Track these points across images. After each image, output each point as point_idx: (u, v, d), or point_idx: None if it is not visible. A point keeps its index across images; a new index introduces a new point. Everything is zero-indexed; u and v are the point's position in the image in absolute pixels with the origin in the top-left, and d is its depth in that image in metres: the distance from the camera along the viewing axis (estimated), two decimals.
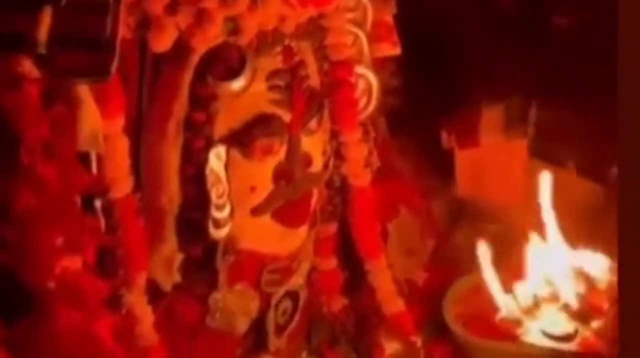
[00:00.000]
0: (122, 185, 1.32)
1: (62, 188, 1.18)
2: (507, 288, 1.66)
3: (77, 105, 1.22)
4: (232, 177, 1.38)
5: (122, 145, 1.31)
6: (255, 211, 1.41)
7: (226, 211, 1.39)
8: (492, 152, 1.91)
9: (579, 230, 1.80)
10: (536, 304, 1.61)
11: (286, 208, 1.43)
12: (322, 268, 1.62)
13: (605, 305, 1.59)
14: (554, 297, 1.62)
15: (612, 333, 1.52)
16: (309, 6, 1.38)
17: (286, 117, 1.40)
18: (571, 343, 1.57)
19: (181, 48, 1.32)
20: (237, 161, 1.38)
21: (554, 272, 1.66)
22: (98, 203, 1.30)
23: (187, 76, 1.34)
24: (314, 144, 1.46)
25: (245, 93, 1.36)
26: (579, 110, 1.98)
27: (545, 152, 1.96)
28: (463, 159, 1.92)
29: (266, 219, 1.42)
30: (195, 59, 1.34)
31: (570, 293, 1.62)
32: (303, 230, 1.49)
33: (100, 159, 1.29)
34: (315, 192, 1.49)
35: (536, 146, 1.92)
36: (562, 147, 1.98)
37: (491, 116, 1.94)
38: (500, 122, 1.92)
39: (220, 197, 1.38)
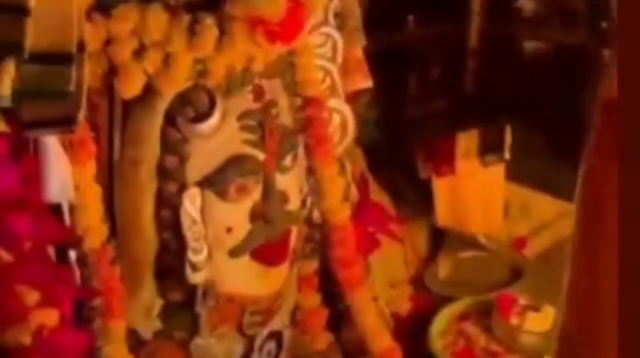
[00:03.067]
0: (96, 235, 1.30)
1: (35, 241, 1.17)
2: None
3: (46, 157, 1.21)
4: (208, 219, 1.37)
5: (94, 193, 1.29)
6: (233, 252, 1.39)
7: (204, 254, 1.37)
8: (470, 179, 1.91)
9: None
10: None
11: (265, 247, 1.42)
12: (306, 306, 1.60)
13: None
14: None
15: None
16: (277, 44, 1.37)
17: (260, 156, 1.39)
18: None
19: (150, 93, 1.31)
20: (212, 203, 1.36)
21: None
22: (72, 254, 1.28)
23: (157, 121, 1.33)
24: (289, 182, 1.45)
25: (217, 134, 1.35)
26: (554, 132, 1.98)
27: (522, 176, 1.96)
28: (441, 186, 1.91)
29: (245, 260, 1.41)
30: (164, 103, 1.33)
31: None
32: (283, 268, 1.47)
33: (72, 209, 1.28)
34: (293, 229, 1.48)
35: (513, 170, 1.92)
36: (538, 170, 1.98)
37: (466, 142, 1.93)
38: (476, 148, 1.92)
39: (197, 240, 1.36)
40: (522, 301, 1.66)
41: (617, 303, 1.20)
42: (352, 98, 1.67)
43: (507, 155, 1.90)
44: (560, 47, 2.24)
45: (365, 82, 1.70)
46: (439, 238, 1.94)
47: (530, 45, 2.33)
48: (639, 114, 1.19)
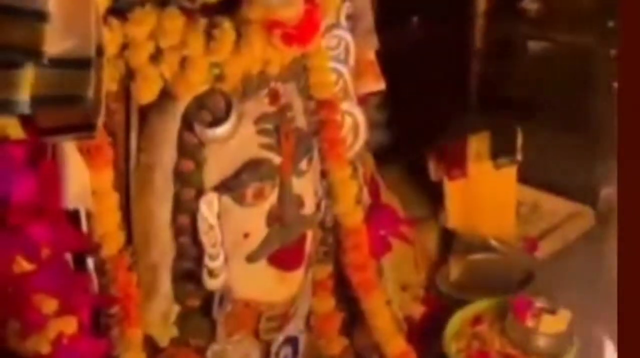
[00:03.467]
0: (113, 241, 1.29)
1: (54, 248, 1.15)
2: None
3: (64, 163, 1.20)
4: (225, 224, 1.35)
5: (112, 200, 1.28)
6: (250, 258, 1.38)
7: (220, 260, 1.36)
8: (482, 181, 1.90)
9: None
10: None
11: (281, 252, 1.41)
12: (321, 310, 1.59)
13: None
14: None
15: None
16: (293, 46, 1.36)
17: (276, 160, 1.38)
18: None
19: (166, 97, 1.29)
20: (229, 208, 1.35)
21: None
22: (90, 261, 1.27)
23: (174, 125, 1.32)
24: (305, 186, 1.44)
25: (234, 138, 1.34)
26: (566, 134, 1.98)
27: (533, 177, 1.96)
28: (452, 189, 1.90)
29: (262, 265, 1.40)
30: (181, 107, 1.31)
31: None
32: (299, 273, 1.46)
33: (89, 216, 1.27)
34: (309, 233, 1.47)
35: (523, 171, 1.91)
36: (551, 172, 1.97)
37: (478, 145, 1.92)
38: (488, 150, 1.91)
39: (213, 246, 1.35)
40: (538, 303, 1.65)
41: (618, 304, 1.19)
42: (363, 100, 1.66)
43: (519, 157, 1.90)
44: (567, 47, 2.23)
45: (377, 84, 1.69)
46: (451, 241, 1.93)
47: (536, 46, 2.32)
48: (639, 112, 1.18)
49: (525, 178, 1.95)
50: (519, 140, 1.90)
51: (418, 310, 1.77)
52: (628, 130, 1.22)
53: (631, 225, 1.19)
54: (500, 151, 1.90)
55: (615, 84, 2.03)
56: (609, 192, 1.95)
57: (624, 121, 1.23)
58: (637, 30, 1.22)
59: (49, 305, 1.15)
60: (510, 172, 1.90)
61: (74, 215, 1.24)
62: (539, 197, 1.99)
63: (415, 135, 1.96)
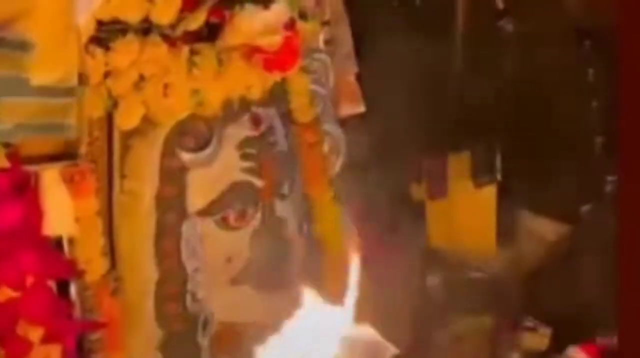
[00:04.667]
0: (96, 267, 1.29)
1: (38, 276, 1.16)
2: None
3: (47, 190, 1.20)
4: (209, 248, 1.37)
5: (95, 226, 1.29)
6: (234, 281, 1.39)
7: (204, 283, 1.37)
8: (462, 200, 1.91)
9: None
10: None
11: (264, 275, 1.42)
12: None
13: None
14: None
15: None
16: (274, 72, 1.38)
17: (258, 183, 1.39)
18: None
19: (149, 124, 1.31)
20: (212, 232, 1.36)
21: None
22: (73, 288, 1.27)
23: (156, 151, 1.33)
24: (287, 209, 1.45)
25: (216, 163, 1.35)
26: (547, 152, 1.99)
27: (514, 196, 1.97)
28: (434, 209, 1.92)
29: (245, 288, 1.41)
30: (163, 133, 1.33)
31: None
32: (283, 295, 1.47)
33: (72, 242, 1.27)
34: (292, 255, 1.48)
35: (505, 192, 1.93)
36: (531, 191, 1.99)
37: (458, 164, 1.94)
38: (468, 169, 1.93)
39: (197, 270, 1.36)
40: (520, 322, 1.67)
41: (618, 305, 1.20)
42: (344, 122, 1.68)
43: (498, 176, 1.91)
44: (545, 66, 2.25)
45: (357, 107, 1.71)
46: (433, 261, 1.94)
47: (514, 65, 2.35)
48: (639, 114, 1.19)
49: (508, 198, 1.97)
50: (499, 160, 1.92)
51: (403, 330, 1.78)
52: (629, 131, 1.22)
53: (631, 226, 1.20)
54: (480, 170, 1.92)
55: (594, 103, 2.06)
56: (589, 209, 1.97)
57: (624, 121, 1.23)
58: (635, 31, 1.22)
59: (35, 333, 1.16)
60: (490, 191, 1.92)
61: (57, 242, 1.24)
62: (521, 217, 2.00)
63: (398, 156, 1.98)
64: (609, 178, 1.96)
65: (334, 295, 1.62)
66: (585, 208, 1.97)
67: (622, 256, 1.21)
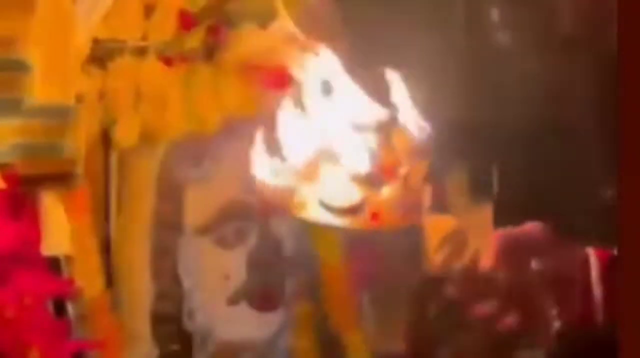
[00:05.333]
0: (92, 286, 1.29)
1: (35, 296, 1.16)
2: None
3: (43, 210, 1.20)
4: (205, 266, 1.37)
5: (91, 244, 1.29)
6: (231, 300, 1.39)
7: (200, 302, 1.37)
8: (460, 215, 1.91)
9: None
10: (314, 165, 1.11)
11: (261, 294, 1.42)
12: (299, 348, 1.60)
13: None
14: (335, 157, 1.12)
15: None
16: (272, 89, 1.38)
17: (255, 201, 1.39)
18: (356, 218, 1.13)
19: (146, 142, 1.31)
20: (209, 250, 1.36)
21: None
22: (70, 307, 1.27)
23: (153, 169, 1.33)
24: (284, 226, 1.45)
25: (213, 181, 1.35)
26: (543, 167, 2.00)
27: (512, 212, 1.97)
28: (431, 226, 1.91)
29: (242, 307, 1.41)
30: (160, 151, 1.33)
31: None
32: (279, 313, 1.47)
33: (69, 261, 1.27)
34: (289, 273, 1.48)
35: (502, 210, 1.93)
36: (529, 205, 1.99)
37: (455, 179, 1.94)
38: (464, 187, 1.92)
39: (193, 288, 1.37)
40: (520, 339, 1.66)
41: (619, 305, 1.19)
42: None
43: (495, 190, 1.91)
44: (539, 78, 2.26)
45: None
46: (433, 277, 1.94)
47: (508, 77, 2.35)
48: (639, 114, 1.19)
49: (504, 214, 1.96)
50: (495, 176, 1.92)
51: (400, 347, 1.78)
52: (629, 130, 1.22)
53: (632, 227, 1.19)
54: (477, 185, 1.92)
55: (592, 115, 2.06)
56: (585, 222, 1.97)
57: (624, 122, 1.23)
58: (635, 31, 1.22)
59: (31, 353, 1.15)
60: (487, 208, 1.92)
61: (53, 261, 1.24)
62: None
63: None
64: (606, 192, 1.96)
65: (332, 311, 1.63)
66: (581, 221, 1.97)
67: (622, 255, 1.21)
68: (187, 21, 1.27)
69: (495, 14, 2.25)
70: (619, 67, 1.19)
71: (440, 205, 1.91)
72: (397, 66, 2.10)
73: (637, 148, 1.20)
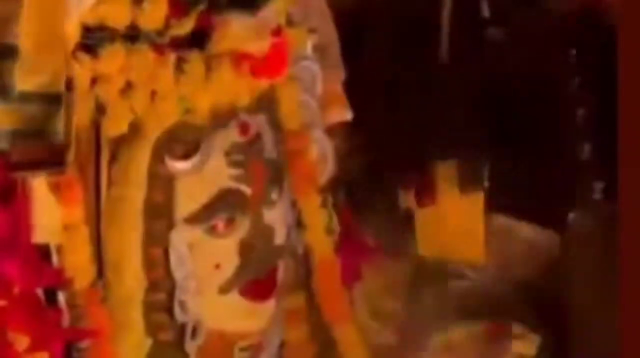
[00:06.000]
0: (84, 276, 1.29)
1: (25, 284, 1.15)
2: None
3: (34, 198, 1.20)
4: (197, 256, 1.36)
5: (82, 234, 1.28)
6: (223, 289, 1.39)
7: (192, 292, 1.37)
8: (450, 208, 1.92)
9: None
10: None
11: (253, 283, 1.41)
12: (293, 340, 1.60)
13: None
14: None
15: None
16: (262, 79, 1.38)
17: (247, 191, 1.39)
18: None
19: (137, 131, 1.30)
20: (201, 240, 1.36)
21: None
22: (61, 296, 1.27)
23: (144, 158, 1.33)
24: (276, 216, 1.45)
25: (204, 170, 1.35)
26: (533, 159, 2.00)
27: (502, 204, 1.98)
28: (422, 217, 1.92)
29: (234, 296, 1.40)
30: (151, 140, 1.32)
31: None
32: (271, 303, 1.47)
33: (60, 250, 1.27)
34: (280, 264, 1.47)
35: (493, 199, 1.93)
36: (518, 198, 2.00)
37: (445, 171, 1.94)
38: (455, 177, 1.93)
39: (185, 278, 1.36)
40: (512, 329, 1.67)
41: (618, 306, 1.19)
42: (331, 130, 1.68)
43: (486, 183, 1.92)
44: (531, 75, 2.26)
45: (344, 114, 1.71)
46: (423, 269, 1.94)
47: (500, 73, 2.35)
48: (639, 114, 1.19)
49: (496, 206, 1.97)
50: (486, 166, 1.92)
51: (392, 339, 1.78)
52: (629, 130, 1.22)
53: (632, 227, 1.20)
54: (467, 177, 1.92)
55: (580, 111, 2.07)
56: (575, 217, 1.98)
57: (624, 121, 1.23)
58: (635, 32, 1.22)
59: (21, 342, 1.15)
60: (477, 199, 1.92)
61: (44, 250, 1.24)
62: (511, 225, 2.01)
63: (384, 163, 1.98)
64: (597, 185, 1.97)
65: (322, 302, 1.62)
66: (572, 215, 1.97)
67: (622, 257, 1.21)
68: (177, 9, 1.27)
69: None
70: (619, 61, 1.20)
71: (430, 197, 1.92)
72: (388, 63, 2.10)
73: (637, 148, 1.20)
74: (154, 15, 1.26)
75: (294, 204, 1.56)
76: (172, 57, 1.28)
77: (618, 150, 1.24)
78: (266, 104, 1.47)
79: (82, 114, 1.23)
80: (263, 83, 1.39)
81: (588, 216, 1.95)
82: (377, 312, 1.78)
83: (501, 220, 1.98)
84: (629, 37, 1.25)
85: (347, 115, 1.71)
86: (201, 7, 1.28)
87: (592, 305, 1.85)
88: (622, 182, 1.25)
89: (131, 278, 1.34)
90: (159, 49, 1.27)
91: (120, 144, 1.31)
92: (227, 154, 1.37)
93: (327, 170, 1.64)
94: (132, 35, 1.26)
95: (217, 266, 1.38)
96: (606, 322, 1.75)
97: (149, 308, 1.36)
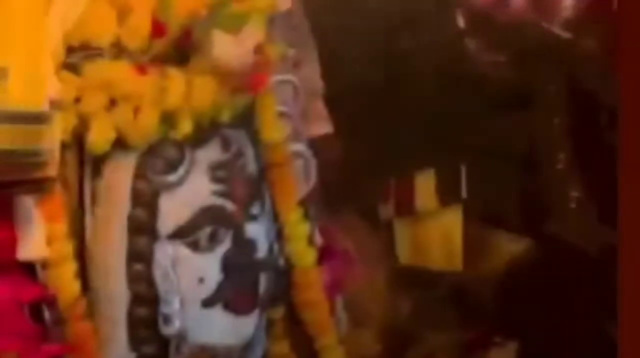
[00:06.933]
0: (68, 291, 1.30)
1: (11, 301, 1.16)
2: None
3: (19, 215, 1.21)
4: (180, 270, 1.37)
5: (67, 250, 1.29)
6: (206, 303, 1.40)
7: (176, 306, 1.38)
8: (429, 218, 1.94)
9: None
10: None
11: (236, 296, 1.43)
12: (276, 352, 1.61)
13: None
14: None
15: None
16: (244, 94, 1.40)
17: (229, 206, 1.40)
18: None
19: (120, 147, 1.32)
20: (184, 255, 1.37)
21: None
22: (46, 312, 1.28)
23: (127, 174, 1.34)
24: (258, 230, 1.46)
25: (187, 186, 1.36)
26: (510, 168, 2.03)
27: (480, 214, 2.01)
28: (401, 227, 1.94)
29: (217, 310, 1.41)
30: (134, 156, 1.34)
31: None
32: (254, 316, 1.48)
33: (44, 265, 1.28)
34: (262, 277, 1.49)
35: (471, 208, 1.96)
36: (496, 207, 2.02)
37: (424, 182, 1.97)
38: (434, 187, 1.96)
39: (169, 292, 1.37)
40: (490, 337, 1.69)
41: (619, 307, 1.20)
42: (312, 142, 1.70)
43: (464, 193, 1.95)
44: (508, 84, 2.29)
45: (325, 127, 1.73)
46: (403, 278, 1.96)
47: (476, 84, 2.38)
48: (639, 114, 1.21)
49: (472, 214, 2.00)
50: (464, 177, 1.95)
51: (374, 349, 1.80)
52: (629, 130, 1.23)
53: (632, 226, 1.21)
54: (445, 188, 1.95)
55: (556, 120, 2.10)
56: (550, 225, 2.01)
57: (624, 121, 1.24)
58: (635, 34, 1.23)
59: (7, 357, 1.16)
60: (456, 209, 1.95)
61: (29, 266, 1.25)
62: (487, 233, 2.04)
63: (365, 175, 2.00)
64: (572, 193, 2.00)
65: (304, 313, 1.64)
66: (549, 224, 2.01)
67: (622, 259, 1.23)
68: (159, 28, 1.29)
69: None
70: (618, 69, 1.21)
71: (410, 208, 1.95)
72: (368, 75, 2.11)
73: (637, 148, 1.22)
74: (136, 34, 1.27)
75: (275, 217, 1.58)
76: (154, 74, 1.30)
77: (618, 150, 1.26)
78: (248, 119, 1.48)
79: (66, 132, 1.24)
80: (244, 99, 1.41)
81: (563, 224, 1.98)
82: (359, 322, 1.80)
83: (479, 229, 2.01)
84: (630, 37, 1.27)
85: (328, 128, 1.73)
86: (183, 25, 1.30)
87: (569, 311, 1.88)
88: (622, 182, 1.27)
89: (115, 293, 1.35)
90: (141, 66, 1.29)
91: (104, 159, 1.33)
92: (210, 169, 1.38)
93: (308, 183, 1.65)
94: (115, 53, 1.28)
95: (201, 280, 1.39)
96: (582, 329, 1.78)
97: (133, 322, 1.37)
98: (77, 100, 1.25)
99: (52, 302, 1.28)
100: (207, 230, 1.38)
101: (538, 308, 1.83)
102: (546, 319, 1.80)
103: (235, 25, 1.33)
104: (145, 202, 1.35)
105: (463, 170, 1.98)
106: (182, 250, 1.37)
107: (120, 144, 1.31)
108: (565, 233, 1.97)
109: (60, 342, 1.29)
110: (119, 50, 1.28)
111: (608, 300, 1.80)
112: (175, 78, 1.31)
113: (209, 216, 1.38)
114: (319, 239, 1.69)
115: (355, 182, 1.99)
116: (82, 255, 1.33)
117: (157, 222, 1.36)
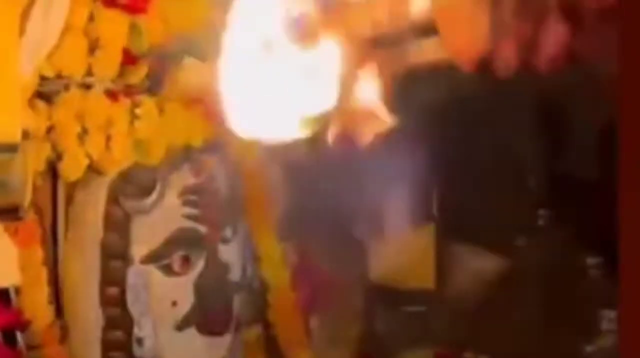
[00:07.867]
0: (42, 316, 1.32)
1: None
2: None
3: None
4: (153, 294, 1.39)
5: (41, 275, 1.31)
6: (179, 326, 1.42)
7: (149, 329, 1.40)
8: (401, 238, 1.96)
9: None
10: None
11: (209, 318, 1.44)
12: None
13: None
14: None
15: None
16: (215, 120, 1.42)
17: (202, 229, 1.42)
18: None
19: (92, 173, 1.34)
20: (157, 278, 1.39)
21: None
22: (20, 337, 1.29)
23: (100, 199, 1.36)
24: (231, 252, 1.48)
25: (159, 210, 1.38)
26: (481, 187, 2.05)
27: (452, 232, 2.03)
28: (374, 247, 1.96)
29: (191, 332, 1.43)
30: (106, 182, 1.36)
31: None
32: (228, 337, 1.50)
33: (18, 291, 1.29)
34: (236, 298, 1.51)
35: (443, 227, 1.98)
36: (468, 226, 2.05)
37: (395, 203, 1.99)
38: (405, 208, 1.98)
39: (142, 315, 1.39)
40: (463, 355, 1.71)
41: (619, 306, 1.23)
42: (286, 165, 1.72)
43: (435, 212, 1.97)
44: (478, 101, 2.32)
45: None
46: (377, 296, 1.98)
47: (447, 103, 2.41)
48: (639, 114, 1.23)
49: (447, 232, 2.02)
50: (435, 196, 1.97)
51: None
52: (629, 130, 1.25)
53: (633, 229, 1.22)
54: (417, 208, 1.97)
55: (526, 138, 2.12)
56: (521, 243, 2.03)
57: (624, 121, 1.26)
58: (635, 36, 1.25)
59: None
60: (428, 229, 1.97)
61: (2, 292, 1.26)
62: (461, 251, 2.06)
63: (338, 195, 2.02)
64: (541, 211, 2.02)
65: (280, 333, 1.66)
66: (519, 241, 2.03)
67: (623, 260, 1.24)
68: (131, 57, 1.31)
69: None
70: (618, 69, 1.23)
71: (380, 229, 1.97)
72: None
73: (637, 148, 1.24)
74: (108, 64, 1.30)
75: (250, 238, 1.60)
76: (126, 102, 1.32)
77: (618, 151, 1.27)
78: (219, 144, 1.51)
79: (38, 161, 1.26)
80: (216, 125, 1.43)
81: (534, 242, 2.01)
82: (334, 340, 1.82)
83: (451, 247, 2.03)
84: (630, 37, 1.28)
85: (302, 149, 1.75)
86: (154, 55, 1.32)
87: (540, 328, 1.91)
88: (622, 183, 1.28)
89: (89, 318, 1.37)
90: (113, 95, 1.31)
91: (77, 186, 1.35)
92: (181, 194, 1.40)
93: (282, 204, 1.67)
94: (87, 82, 1.30)
95: (174, 303, 1.41)
96: (554, 345, 1.80)
97: (107, 346, 1.39)
98: (50, 129, 1.27)
99: (25, 328, 1.30)
100: (180, 253, 1.40)
101: (509, 325, 1.85)
102: (518, 336, 1.82)
103: (207, 53, 1.35)
104: (117, 227, 1.37)
105: (435, 189, 2.01)
106: (155, 274, 1.39)
107: (93, 169, 1.33)
108: (536, 250, 2.00)
109: None
110: (91, 79, 1.30)
111: (581, 317, 1.83)
112: (147, 105, 1.33)
113: (181, 240, 1.40)
114: (292, 259, 1.71)
115: (331, 202, 2.01)
116: (55, 280, 1.35)
117: (129, 247, 1.38)
